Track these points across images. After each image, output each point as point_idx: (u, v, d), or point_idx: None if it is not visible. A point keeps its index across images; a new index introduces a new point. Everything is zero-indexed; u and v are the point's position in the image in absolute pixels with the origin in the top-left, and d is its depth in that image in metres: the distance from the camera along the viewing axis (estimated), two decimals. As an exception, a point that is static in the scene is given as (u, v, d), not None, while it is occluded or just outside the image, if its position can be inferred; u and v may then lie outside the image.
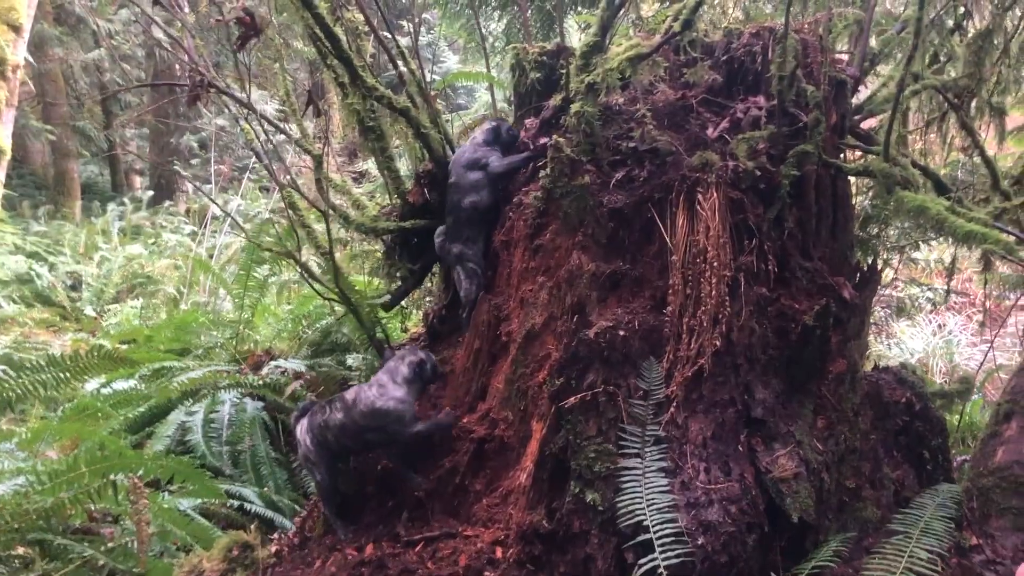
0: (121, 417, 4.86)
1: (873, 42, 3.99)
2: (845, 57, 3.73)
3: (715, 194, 2.95)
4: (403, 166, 4.69)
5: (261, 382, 4.92)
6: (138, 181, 17.47)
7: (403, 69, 3.48)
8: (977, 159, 4.35)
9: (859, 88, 3.78)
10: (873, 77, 4.30)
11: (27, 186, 13.93)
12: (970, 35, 4.29)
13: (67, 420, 4.75)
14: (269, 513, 4.15)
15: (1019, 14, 4.52)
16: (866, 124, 3.93)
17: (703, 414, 2.90)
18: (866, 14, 3.68)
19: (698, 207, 2.95)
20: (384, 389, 3.10)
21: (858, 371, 3.26)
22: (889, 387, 3.35)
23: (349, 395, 3.18)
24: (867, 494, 3.10)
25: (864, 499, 3.08)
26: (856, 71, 3.57)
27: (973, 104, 4.48)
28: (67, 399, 5.32)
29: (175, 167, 13.78)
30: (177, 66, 13.55)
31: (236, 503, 4.11)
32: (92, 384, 5.22)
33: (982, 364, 6.66)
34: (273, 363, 5.30)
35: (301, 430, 3.28)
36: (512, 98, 3.99)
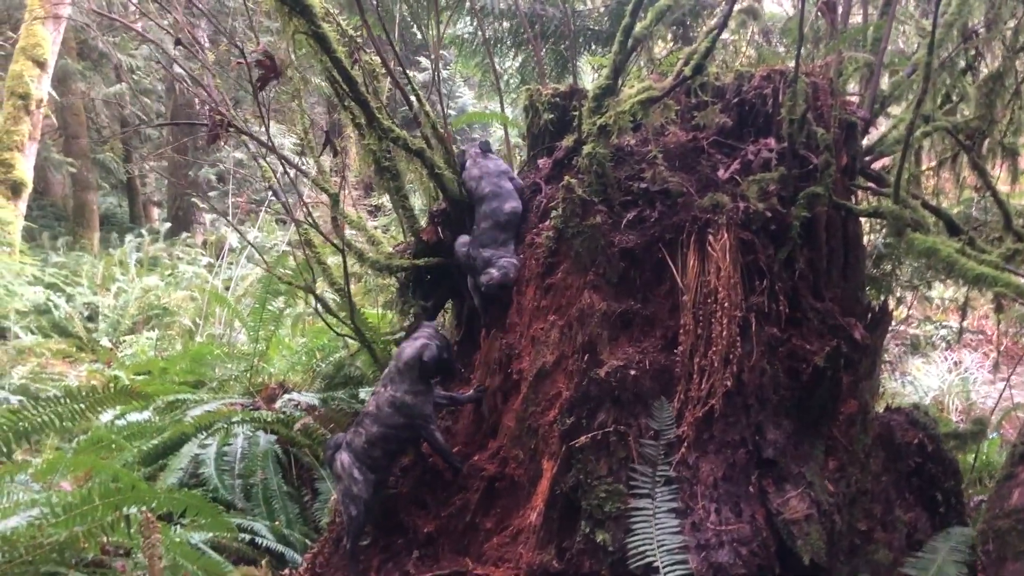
0: (135, 449, 4.88)
1: (884, 83, 4.03)
2: (856, 99, 3.77)
3: (726, 235, 2.97)
4: (417, 201, 4.75)
5: (274, 416, 4.94)
6: (156, 213, 17.68)
7: (418, 109, 3.54)
8: (990, 199, 4.37)
9: (870, 130, 3.81)
10: (884, 118, 4.34)
11: (47, 217, 14.11)
12: (982, 76, 4.33)
13: (81, 452, 4.78)
14: (280, 548, 4.14)
15: (1030, 56, 4.56)
16: (878, 164, 3.96)
17: (714, 454, 2.90)
18: (876, 57, 3.72)
19: (709, 248, 2.98)
20: (395, 384, 3.13)
21: (870, 412, 3.25)
22: (901, 428, 3.34)
23: (371, 406, 3.18)
24: (879, 537, 3.08)
25: (876, 542, 3.06)
26: (867, 113, 3.60)
27: (985, 144, 4.51)
28: (81, 431, 5.35)
29: (193, 199, 13.94)
30: (197, 100, 13.75)
31: (247, 537, 4.11)
32: (106, 416, 5.25)
33: (998, 402, 6.61)
34: (287, 396, 5.33)
35: (344, 463, 3.21)
36: (526, 138, 4.05)
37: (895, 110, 4.40)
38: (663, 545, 2.67)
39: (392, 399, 3.09)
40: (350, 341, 4.58)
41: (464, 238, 3.47)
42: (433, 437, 3.17)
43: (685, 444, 2.87)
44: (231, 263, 11.11)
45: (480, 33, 5.77)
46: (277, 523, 4.44)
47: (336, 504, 3.34)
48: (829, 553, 2.85)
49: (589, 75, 6.51)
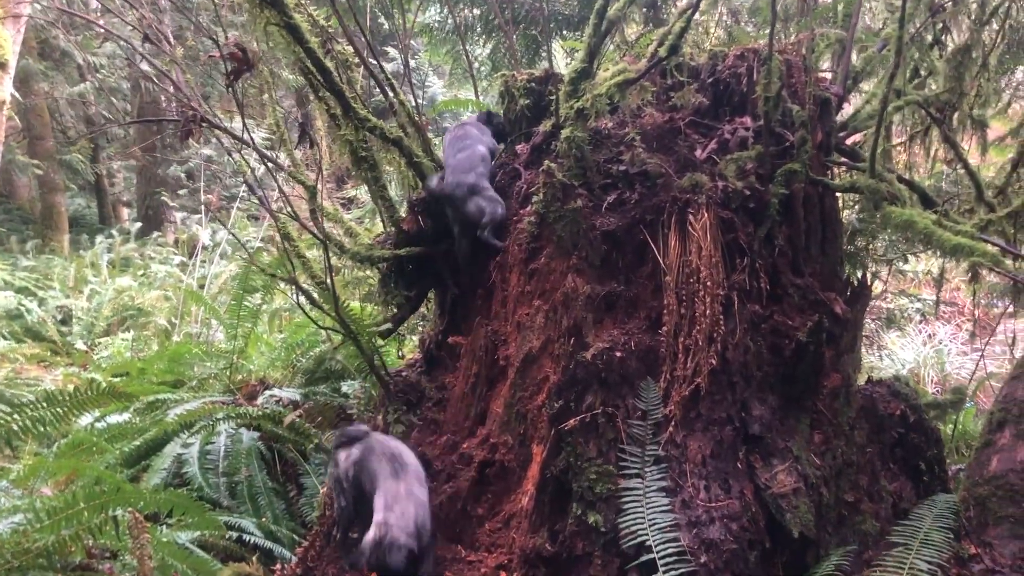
0: (116, 451, 4.83)
1: (855, 59, 4.06)
2: (829, 76, 3.79)
3: (706, 214, 2.99)
4: (393, 191, 4.72)
5: (257, 412, 4.91)
6: (126, 213, 17.45)
7: (394, 99, 3.52)
8: (961, 171, 4.42)
9: (843, 105, 3.84)
10: (857, 94, 4.37)
11: (14, 221, 13.89)
12: (949, 50, 4.37)
13: (62, 456, 4.72)
14: (268, 544, 4.12)
15: (996, 28, 4.61)
16: (852, 140, 3.99)
17: (701, 432, 2.92)
18: (848, 33, 3.74)
19: (689, 228, 2.99)
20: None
21: (852, 385, 3.29)
22: (883, 400, 3.39)
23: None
24: (865, 507, 3.13)
25: (863, 512, 3.11)
26: (840, 89, 3.63)
27: (955, 117, 4.56)
28: (61, 435, 5.28)
29: (163, 198, 13.77)
30: (163, 97, 13.58)
31: (235, 535, 4.09)
32: (86, 419, 5.19)
33: (974, 373, 6.71)
34: (268, 393, 5.29)
35: (347, 459, 3.20)
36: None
37: (867, 85, 4.43)
38: (654, 524, 2.70)
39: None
40: (333, 334, 4.55)
41: (434, 177, 3.47)
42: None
43: (672, 423, 2.89)
44: (204, 261, 11.01)
45: (451, 19, 5.74)
46: (264, 520, 4.42)
47: (327, 496, 3.33)
48: (817, 525, 2.89)
49: (562, 59, 6.50)
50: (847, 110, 3.99)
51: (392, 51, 11.89)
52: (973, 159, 4.73)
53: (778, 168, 3.11)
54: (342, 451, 3.20)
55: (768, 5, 3.26)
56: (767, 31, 3.13)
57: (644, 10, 5.55)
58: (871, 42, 4.27)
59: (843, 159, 3.73)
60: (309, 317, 3.78)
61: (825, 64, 4.18)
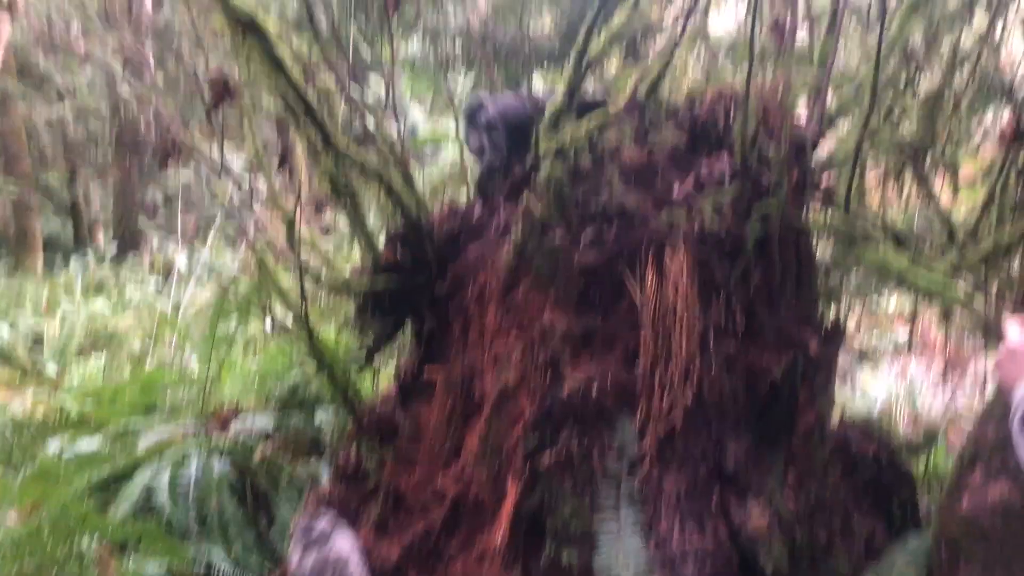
0: (84, 479, 4.76)
1: (831, 101, 4.12)
2: (804, 117, 3.84)
3: (683, 252, 3.01)
4: (372, 217, 4.72)
5: (229, 442, 4.86)
6: (102, 235, 17.31)
7: (375, 131, 3.53)
8: (933, 212, 4.49)
9: (819, 146, 3.89)
10: (832, 134, 4.43)
11: (-14, 241, 13.74)
12: (922, 93, 4.45)
13: (28, 483, 4.64)
14: (237, 575, 4.07)
15: (967, 73, 4.71)
16: (827, 179, 4.04)
17: (677, 470, 2.92)
18: (823, 76, 3.80)
19: (666, 265, 3.01)
20: None
21: (827, 425, 3.31)
22: (857, 440, 3.41)
23: None
24: (838, 547, 3.13)
25: (836, 552, 3.11)
26: (815, 130, 3.68)
27: (928, 158, 4.63)
28: (28, 461, 5.20)
29: (140, 220, 13.69)
30: (143, 120, 13.54)
31: (203, 565, 4.03)
32: (54, 445, 5.12)
33: (945, 411, 6.76)
34: (241, 420, 5.24)
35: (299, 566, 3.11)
36: (482, 157, 4.05)
37: (843, 125, 4.50)
38: (628, 562, 2.69)
39: None
40: (306, 364, 4.52)
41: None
42: None
43: (648, 460, 2.89)
44: (180, 285, 10.93)
45: (433, 52, 5.78)
46: (233, 551, 4.36)
47: None
48: (791, 565, 2.89)
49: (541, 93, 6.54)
50: (822, 151, 4.05)
51: (374, 78, 11.95)
52: (945, 199, 4.81)
53: (754, 207, 3.15)
54: (297, 550, 3.13)
55: (745, 46, 3.31)
56: (744, 69, 3.18)
57: (623, 50, 5.61)
58: (846, 82, 4.34)
59: (819, 199, 3.78)
60: (283, 349, 3.75)
61: (801, 105, 4.23)
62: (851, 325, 6.27)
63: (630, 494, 2.83)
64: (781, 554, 2.85)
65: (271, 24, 2.97)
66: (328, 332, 5.25)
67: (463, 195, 4.67)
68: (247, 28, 2.91)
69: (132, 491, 4.62)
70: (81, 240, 16.26)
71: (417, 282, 3.59)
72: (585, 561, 2.74)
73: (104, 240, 16.63)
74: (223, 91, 3.26)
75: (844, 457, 3.35)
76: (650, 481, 2.87)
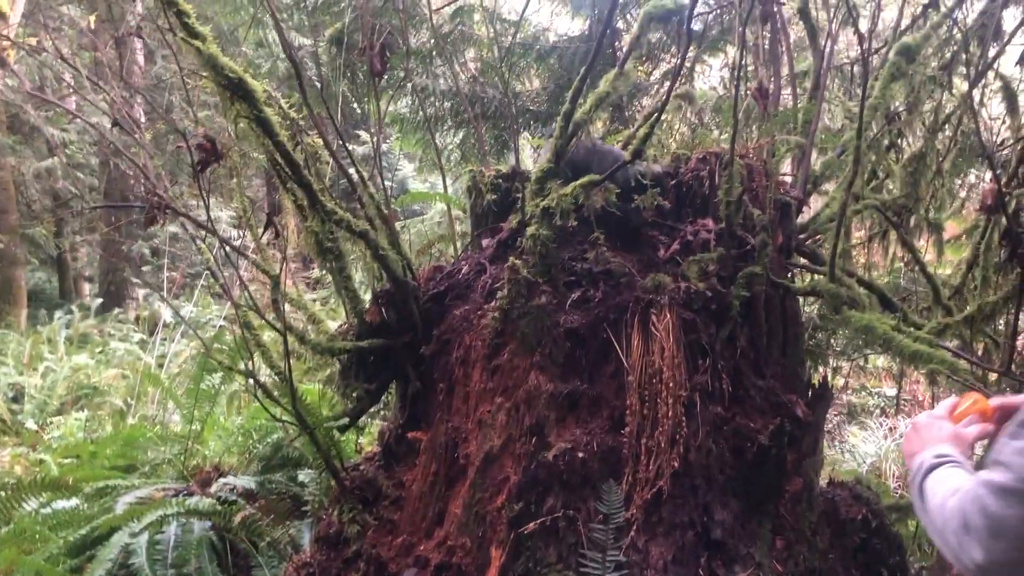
0: (61, 540, 4.65)
1: (815, 163, 4.17)
2: (789, 179, 3.89)
3: (668, 315, 3.01)
4: (359, 275, 4.70)
5: (209, 504, 4.77)
6: (87, 288, 17.22)
7: (361, 191, 3.53)
8: (918, 272, 4.51)
9: (803, 209, 3.92)
10: (817, 196, 4.47)
11: (-30, 294, 13.62)
12: (905, 156, 4.52)
13: (2, 545, 4.53)
14: (215, 642, 3.96)
15: (948, 135, 4.78)
16: (812, 241, 4.07)
17: (663, 537, 2.88)
18: (807, 139, 3.86)
19: (652, 328, 3.00)
20: None
21: (815, 489, 3.27)
22: (845, 504, 3.37)
23: None
24: (829, 615, 3.08)
25: (826, 621, 3.06)
26: (800, 193, 3.71)
27: (912, 220, 4.68)
28: (3, 520, 5.08)
29: (126, 274, 13.64)
30: (131, 174, 13.57)
31: (181, 633, 3.92)
32: (31, 503, 5.01)
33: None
34: (222, 480, 5.15)
35: None
36: (469, 217, 4.07)
37: (827, 187, 4.55)
38: (615, 633, 2.63)
39: None
40: (290, 427, 4.47)
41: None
42: None
43: (634, 527, 2.84)
44: (165, 339, 10.84)
45: (421, 112, 5.83)
46: (212, 616, 4.25)
47: None
48: (780, 635, 2.84)
49: (529, 154, 6.61)
50: (807, 213, 4.08)
51: (364, 135, 12.06)
52: (930, 258, 4.85)
53: (740, 270, 3.15)
54: None
55: (730, 106, 3.35)
56: (729, 131, 3.21)
57: (609, 107, 5.69)
58: (831, 143, 4.39)
59: (804, 261, 3.80)
60: (266, 409, 3.70)
61: (785, 168, 4.28)
62: (839, 383, 6.26)
63: (616, 562, 2.77)
64: (770, 624, 2.79)
65: (258, 86, 2.98)
66: (312, 391, 5.21)
67: (451, 251, 4.68)
68: (235, 90, 2.93)
69: (109, 553, 4.51)
70: (66, 293, 16.17)
71: (402, 342, 3.56)
72: (570, 632, 2.67)
73: (89, 293, 16.55)
74: (210, 153, 3.27)
75: (833, 522, 3.30)
76: (636, 548, 2.82)
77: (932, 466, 1.69)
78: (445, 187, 4.75)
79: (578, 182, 3.02)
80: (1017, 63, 4.90)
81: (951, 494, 1.54)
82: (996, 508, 1.40)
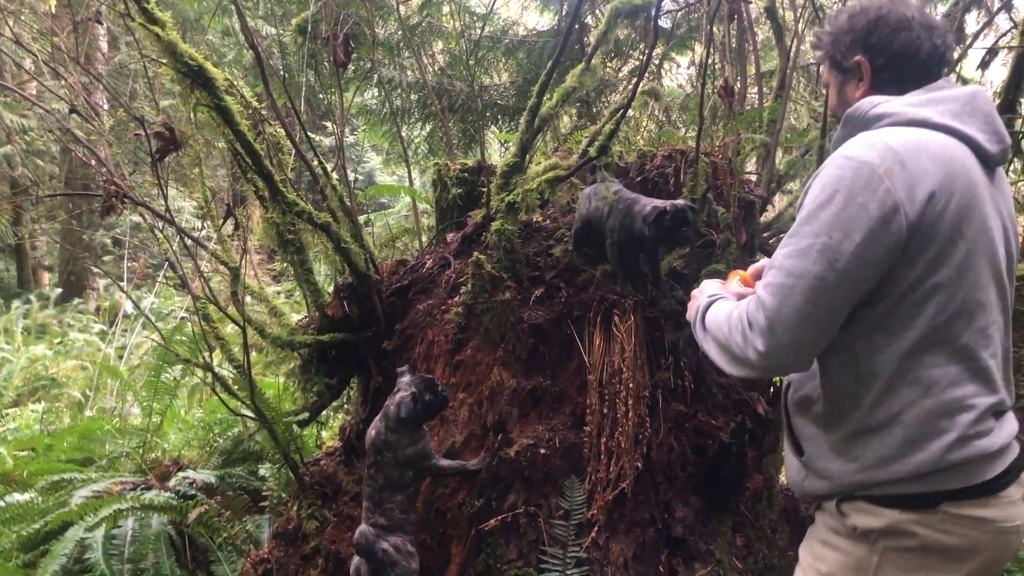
0: (14, 535, 4.56)
1: (779, 163, 4.19)
2: (753, 178, 3.90)
3: (631, 316, 2.99)
4: (321, 268, 4.65)
5: (167, 498, 4.70)
6: (46, 278, 16.90)
7: (324, 183, 3.49)
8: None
9: (767, 207, 3.94)
10: (781, 195, 4.50)
11: (-76, 283, 13.33)
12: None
13: (-48, 540, 4.43)
14: (171, 639, 3.90)
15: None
16: (775, 241, 4.09)
17: (624, 534, 2.87)
18: (772, 138, 3.87)
19: (614, 329, 2.99)
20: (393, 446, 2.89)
21: (774, 487, 3.29)
22: (805, 502, 3.39)
23: (379, 479, 2.88)
24: (787, 612, 3.09)
25: (784, 618, 3.08)
26: (764, 192, 3.73)
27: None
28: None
29: (86, 264, 13.40)
30: (93, 162, 13.33)
31: (136, 629, 3.86)
32: (-16, 497, 4.91)
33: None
34: (181, 474, 5.08)
35: (397, 545, 2.81)
36: (434, 210, 4.04)
37: (791, 186, 4.57)
38: (574, 630, 2.62)
39: (398, 460, 2.86)
40: (249, 421, 4.41)
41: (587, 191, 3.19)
42: (442, 470, 2.96)
43: (596, 525, 2.83)
44: (125, 330, 10.68)
45: (388, 104, 5.78)
46: (169, 612, 4.19)
47: None
48: (739, 632, 2.85)
49: (496, 147, 6.59)
50: (771, 212, 4.10)
51: (331, 126, 11.94)
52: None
53: (703, 268, 3.16)
54: (381, 553, 2.82)
55: (696, 105, 3.35)
56: (695, 130, 3.21)
57: (577, 104, 5.68)
58: (796, 143, 4.42)
59: (766, 259, 3.81)
60: (225, 404, 3.65)
61: (750, 167, 4.30)
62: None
63: (577, 559, 2.76)
64: (729, 621, 2.80)
65: (219, 74, 2.93)
66: (273, 386, 5.15)
67: (416, 245, 4.65)
68: (195, 78, 2.87)
69: (64, 547, 4.43)
70: (25, 283, 15.85)
71: (364, 337, 3.52)
72: (530, 629, 2.66)
73: (49, 283, 16.25)
74: (169, 142, 3.20)
75: (792, 519, 3.32)
76: (597, 545, 2.82)
77: (708, 303, 2.02)
78: (411, 180, 4.71)
79: (543, 176, 3.00)
80: (978, 67, 4.97)
81: (732, 310, 1.86)
82: (772, 303, 1.71)
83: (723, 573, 2.89)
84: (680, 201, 2.72)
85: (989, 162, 1.84)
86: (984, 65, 5.00)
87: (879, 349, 1.74)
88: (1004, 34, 5.13)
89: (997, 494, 1.75)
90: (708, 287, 2.16)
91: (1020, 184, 5.32)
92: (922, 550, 1.74)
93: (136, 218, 12.80)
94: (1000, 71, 5.19)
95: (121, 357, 9.67)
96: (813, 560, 1.93)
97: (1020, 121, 4.44)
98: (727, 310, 1.89)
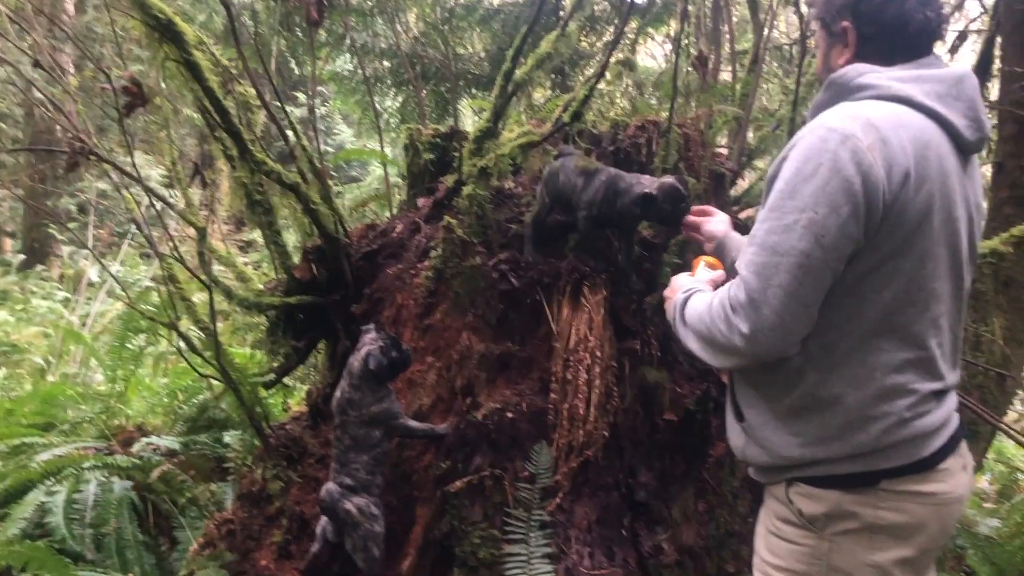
0: (-29, 498, 4.51)
1: (751, 137, 4.22)
2: (725, 151, 3.92)
3: (602, 289, 3.00)
4: (291, 237, 4.61)
5: (131, 462, 4.66)
6: (9, 244, 16.59)
7: (294, 144, 3.45)
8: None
9: (737, 180, 3.97)
10: (751, 170, 4.53)
11: None
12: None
13: (-90, 503, 4.37)
14: (133, 602, 3.89)
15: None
16: (744, 214, 4.12)
17: (588, 498, 2.90)
18: (744, 111, 3.89)
19: (583, 300, 2.99)
20: (357, 405, 2.89)
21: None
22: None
23: (345, 440, 2.89)
24: (746, 577, 3.15)
25: (743, 582, 3.13)
26: (735, 165, 3.75)
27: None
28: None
29: (51, 230, 13.18)
30: (58, 127, 13.08)
31: (97, 591, 3.83)
32: (-57, 460, 4.84)
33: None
34: (145, 440, 5.04)
35: (360, 505, 2.83)
36: (406, 177, 4.01)
37: (760, 163, 4.60)
38: (537, 591, 2.64)
39: (363, 418, 2.86)
40: (215, 383, 4.38)
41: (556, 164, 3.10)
42: (411, 429, 2.95)
43: (560, 489, 2.85)
44: (89, 298, 10.53)
45: (360, 71, 5.72)
46: (131, 575, 4.17)
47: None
48: (699, 595, 2.89)
49: (469, 118, 6.55)
50: (741, 185, 4.13)
51: (302, 96, 11.81)
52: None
53: (672, 237, 3.17)
54: (344, 512, 2.85)
55: (670, 80, 3.35)
56: (668, 104, 3.22)
57: (552, 75, 5.66)
58: (766, 121, 4.44)
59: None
60: (190, 363, 3.62)
61: (722, 140, 4.32)
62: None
63: (541, 522, 2.79)
64: (689, 584, 2.84)
65: (188, 29, 2.88)
66: (241, 355, 5.11)
67: (386, 213, 4.62)
68: (164, 32, 2.82)
69: (24, 511, 4.38)
70: (-14, 248, 15.57)
71: (332, 300, 3.51)
72: (493, 590, 2.68)
73: (11, 249, 15.96)
74: (137, 97, 3.15)
75: (754, 487, 3.36)
76: (561, 509, 2.84)
77: (686, 298, 1.98)
78: (382, 146, 4.68)
79: (516, 141, 2.99)
80: (948, 51, 5.02)
81: (711, 299, 1.82)
82: (756, 283, 1.67)
83: (684, 537, 2.93)
84: (668, 179, 2.69)
85: (965, 149, 1.82)
86: (954, 50, 5.06)
87: (831, 328, 1.72)
88: (974, 19, 5.20)
89: (936, 467, 1.76)
90: (680, 282, 2.13)
91: (986, 168, 5.40)
92: (868, 530, 1.75)
93: (102, 185, 12.61)
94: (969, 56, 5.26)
95: (84, 324, 9.54)
96: (768, 555, 1.93)
97: (987, 107, 4.49)
98: (706, 301, 1.85)
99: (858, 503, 1.75)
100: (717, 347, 1.79)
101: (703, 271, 2.21)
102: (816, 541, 1.80)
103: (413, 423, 2.95)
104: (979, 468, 4.58)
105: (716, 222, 2.46)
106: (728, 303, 1.73)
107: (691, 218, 2.55)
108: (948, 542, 4.29)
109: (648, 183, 2.72)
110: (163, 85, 3.44)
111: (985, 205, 4.44)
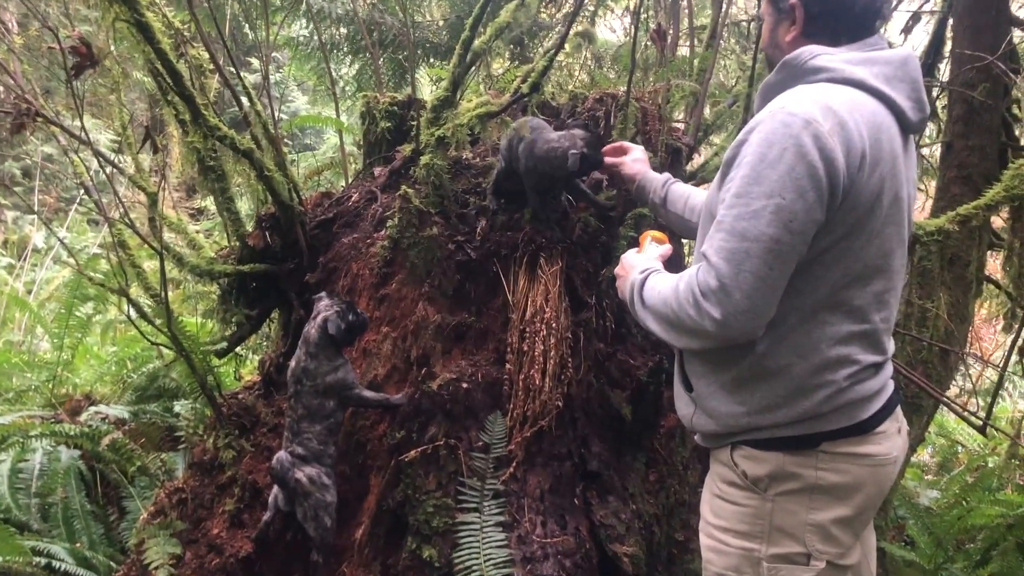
0: (-89, 468, 4.40)
1: (707, 113, 4.24)
2: (681, 126, 3.94)
3: (558, 260, 3.01)
4: (245, 205, 4.55)
5: (79, 430, 4.59)
6: (-51, 207, 16.13)
7: (248, 109, 3.39)
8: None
9: (693, 156, 4.00)
10: (707, 146, 4.56)
11: None
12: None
13: None
14: (81, 572, 3.84)
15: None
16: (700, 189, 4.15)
17: (541, 467, 2.93)
18: (701, 87, 3.91)
19: (539, 271, 3.00)
20: (312, 374, 2.87)
21: (688, 425, 3.38)
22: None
23: (299, 410, 2.87)
24: (695, 546, 3.20)
25: (692, 551, 3.19)
26: (691, 140, 3.77)
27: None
28: None
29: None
30: (1, 87, 12.69)
31: (43, 561, 3.78)
32: None
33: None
34: (93, 409, 4.97)
35: (311, 475, 2.82)
36: (361, 145, 3.97)
37: (716, 139, 4.64)
38: (489, 559, 2.67)
39: (317, 388, 2.84)
40: (165, 351, 4.32)
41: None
42: (365, 399, 2.93)
43: (514, 459, 2.88)
44: (35, 264, 10.29)
45: (316, 37, 5.63)
46: (78, 545, 4.12)
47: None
48: (648, 563, 2.94)
49: (427, 86, 6.49)
50: (697, 160, 4.16)
51: (256, 62, 11.59)
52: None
53: (630, 211, 3.19)
54: (294, 482, 2.82)
55: (629, 53, 3.36)
56: (626, 77, 3.22)
57: (511, 47, 5.63)
58: (723, 98, 4.48)
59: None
60: (139, 330, 3.56)
61: (679, 115, 4.34)
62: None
63: (494, 491, 2.81)
64: (639, 552, 2.89)
65: (140, -11, 2.80)
66: (191, 319, 5.05)
67: (342, 182, 4.57)
68: (114, -10, 2.74)
69: (-34, 481, 4.31)
70: (-74, 212, 15.11)
71: (286, 269, 3.47)
72: (446, 557, 2.70)
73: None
74: (86, 57, 3.07)
75: (704, 457, 3.42)
76: (515, 478, 2.86)
77: (643, 279, 2.02)
78: (338, 114, 4.62)
79: (474, 111, 2.98)
80: (902, 31, 5.10)
81: (676, 282, 1.84)
82: (727, 268, 1.68)
83: (636, 506, 2.98)
84: (578, 131, 2.70)
85: (908, 129, 1.87)
86: (907, 30, 5.14)
87: (781, 303, 1.76)
88: (927, 0, 5.28)
89: (873, 430, 1.84)
90: (631, 260, 2.17)
91: (933, 148, 5.51)
92: (808, 490, 1.81)
93: (48, 148, 12.28)
94: (922, 37, 5.34)
95: (30, 292, 9.32)
96: (713, 517, 1.99)
97: (937, 88, 4.57)
98: (670, 283, 1.87)
99: (799, 464, 1.82)
100: (683, 330, 1.82)
101: (651, 247, 2.23)
102: (759, 502, 1.86)
103: (368, 393, 2.94)
104: (921, 441, 4.71)
105: (633, 161, 2.71)
106: (697, 288, 1.74)
107: (611, 159, 2.74)
108: (890, 510, 4.43)
109: (568, 141, 2.69)
110: (113, 47, 3.35)
111: (933, 184, 4.55)
